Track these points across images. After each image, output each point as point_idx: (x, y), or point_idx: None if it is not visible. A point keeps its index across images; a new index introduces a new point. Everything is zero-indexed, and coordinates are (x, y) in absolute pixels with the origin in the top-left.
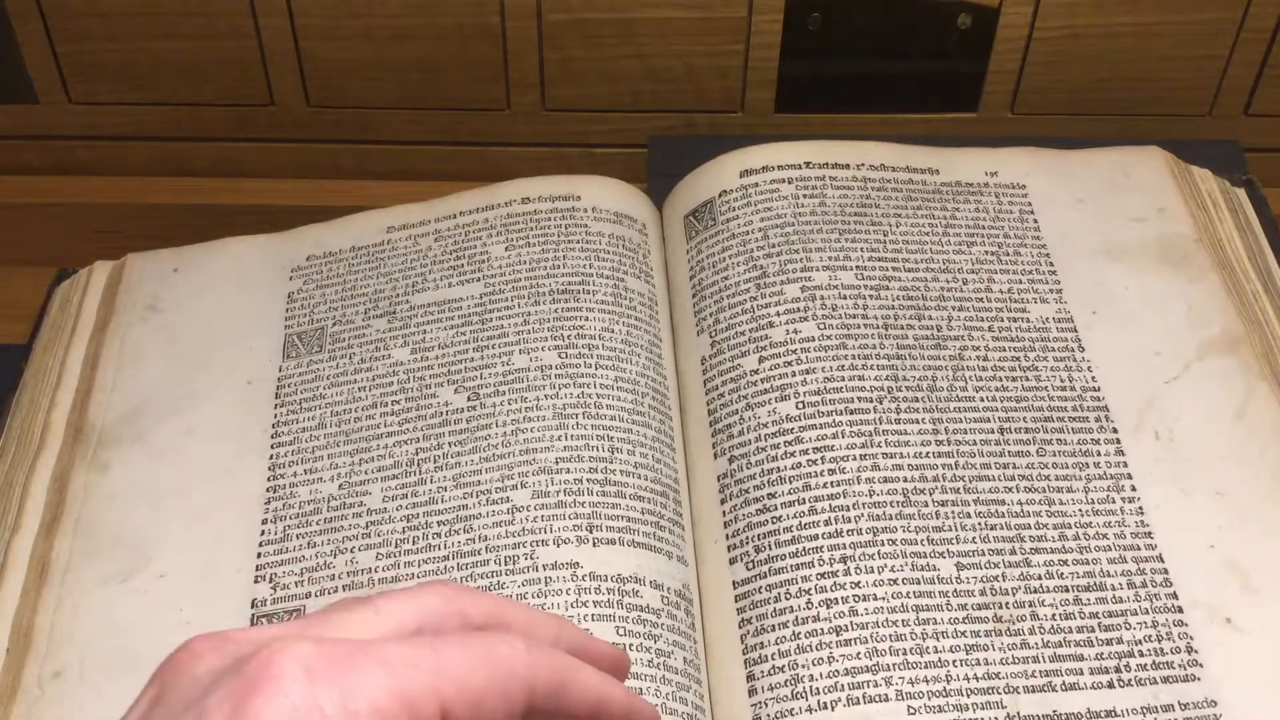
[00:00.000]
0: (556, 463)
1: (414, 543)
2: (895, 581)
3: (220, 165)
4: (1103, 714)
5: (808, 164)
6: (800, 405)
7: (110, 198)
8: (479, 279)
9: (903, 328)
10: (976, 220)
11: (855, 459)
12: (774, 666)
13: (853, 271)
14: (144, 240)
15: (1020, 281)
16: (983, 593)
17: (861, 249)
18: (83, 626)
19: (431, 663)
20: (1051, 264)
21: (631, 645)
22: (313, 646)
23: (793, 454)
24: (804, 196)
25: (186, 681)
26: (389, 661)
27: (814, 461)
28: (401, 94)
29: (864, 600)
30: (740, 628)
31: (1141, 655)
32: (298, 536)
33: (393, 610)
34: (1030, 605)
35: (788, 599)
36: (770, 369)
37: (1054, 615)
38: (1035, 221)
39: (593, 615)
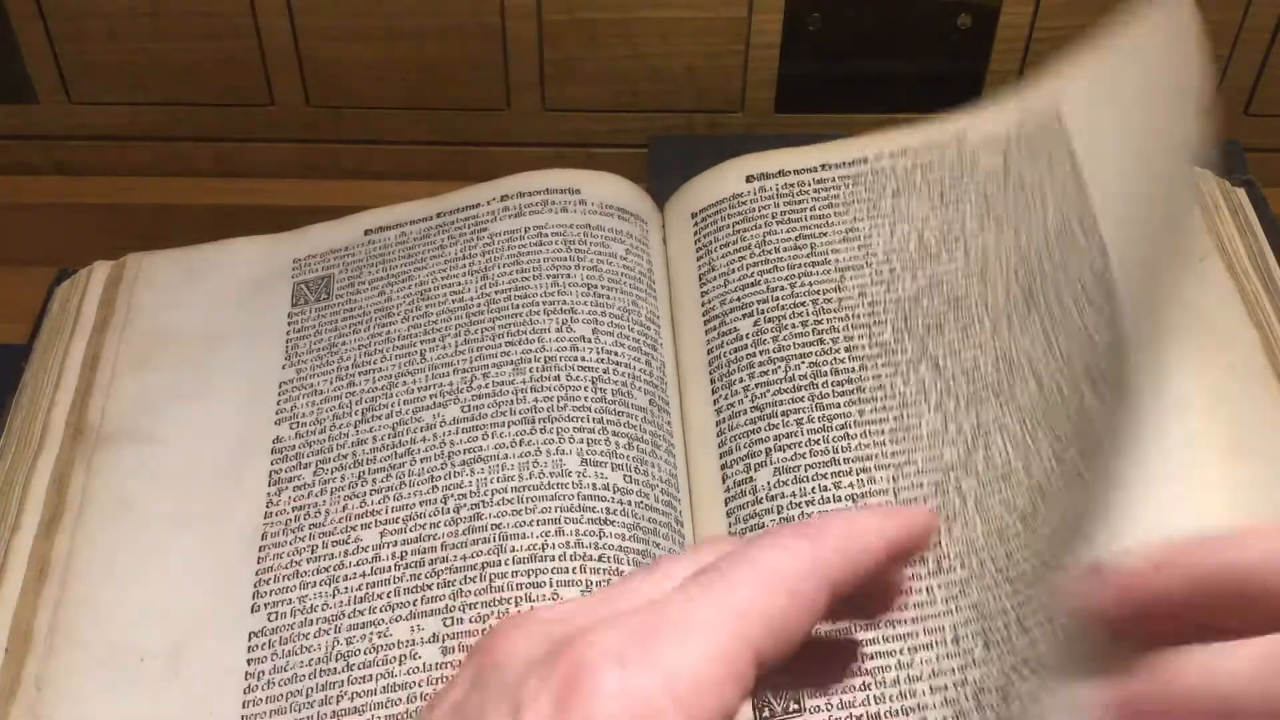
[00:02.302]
0: (556, 454)
1: (412, 561)
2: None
3: (220, 165)
4: None
5: (824, 165)
6: (814, 405)
7: (110, 198)
8: (479, 275)
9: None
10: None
11: (870, 459)
12: None
13: (869, 270)
14: (144, 240)
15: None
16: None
17: (878, 244)
18: (81, 627)
19: (730, 604)
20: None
21: None
22: (618, 635)
23: (804, 455)
24: (818, 197)
25: (501, 666)
26: (691, 625)
27: (827, 464)
28: (401, 94)
29: None
30: None
31: None
32: (295, 539)
33: (678, 569)
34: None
35: None
36: (780, 367)
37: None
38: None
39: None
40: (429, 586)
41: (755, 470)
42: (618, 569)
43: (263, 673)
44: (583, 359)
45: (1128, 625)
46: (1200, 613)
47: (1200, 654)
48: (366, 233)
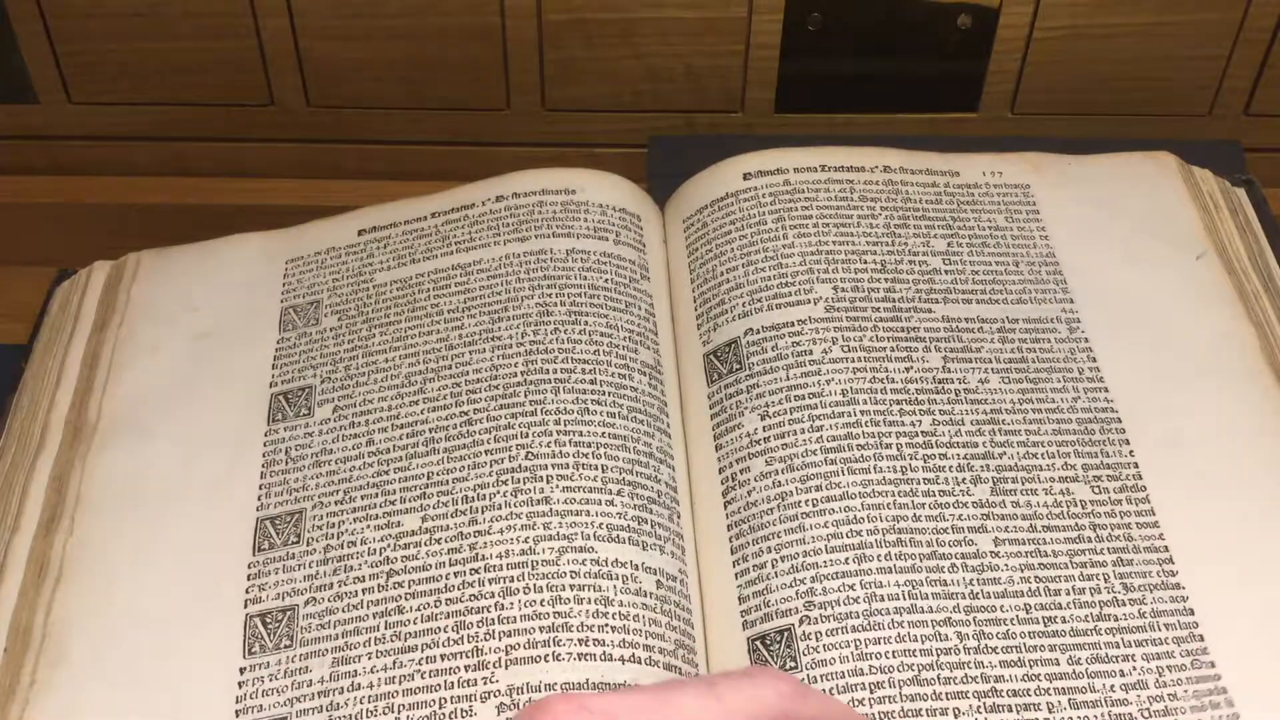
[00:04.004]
0: (555, 461)
1: (415, 555)
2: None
3: (220, 165)
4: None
5: (823, 166)
6: (809, 405)
7: (110, 198)
8: (477, 275)
9: (914, 326)
10: (992, 221)
11: (862, 460)
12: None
13: (867, 273)
14: (144, 240)
15: (1030, 283)
16: (996, 609)
17: (875, 250)
18: (78, 627)
19: None
20: (1060, 270)
21: (628, 627)
22: None
23: (798, 453)
24: (815, 199)
25: None
26: None
27: (824, 460)
28: (401, 94)
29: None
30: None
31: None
32: (289, 538)
33: (733, 699)
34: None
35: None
36: (778, 368)
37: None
38: (1042, 226)
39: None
40: (425, 604)
41: (750, 459)
42: (609, 573)
43: (259, 666)
44: (575, 356)
45: None
46: None
47: None
48: (360, 233)
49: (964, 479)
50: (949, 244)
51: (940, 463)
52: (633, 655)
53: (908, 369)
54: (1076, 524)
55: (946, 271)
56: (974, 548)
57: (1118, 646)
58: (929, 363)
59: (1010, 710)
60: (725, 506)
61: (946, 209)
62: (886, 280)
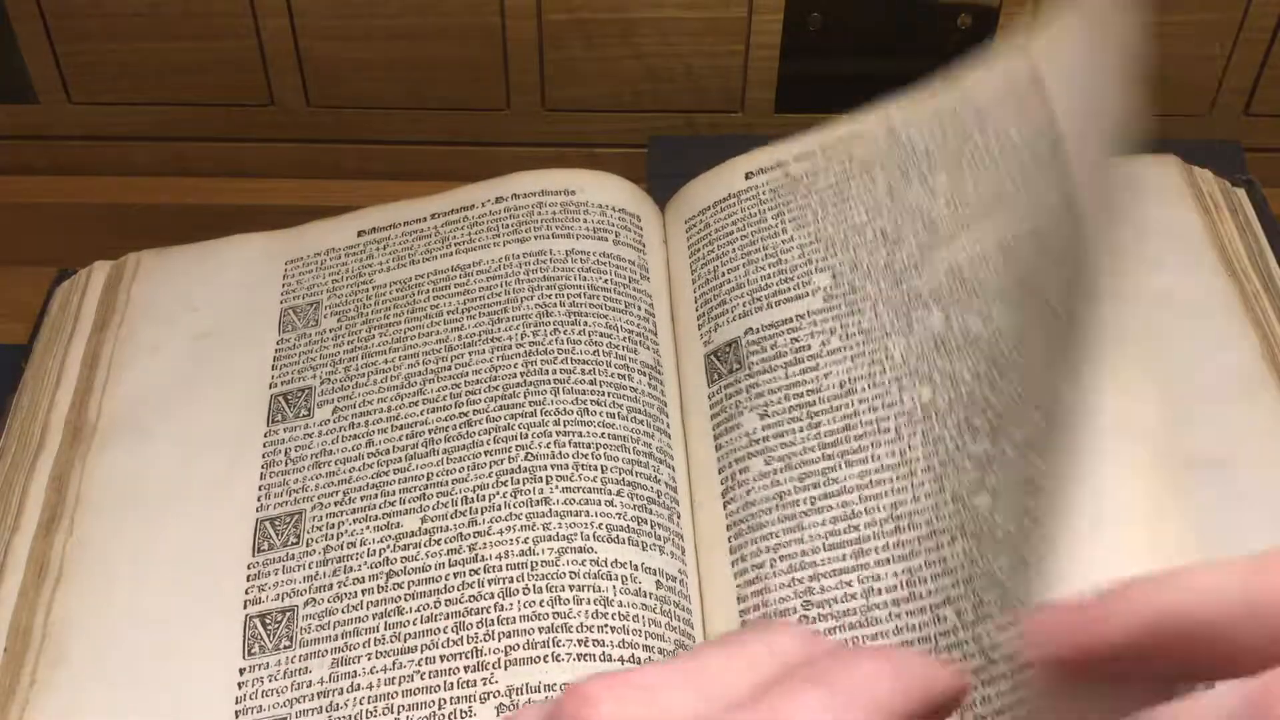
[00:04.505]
0: (553, 463)
1: (416, 556)
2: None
3: (220, 165)
4: None
5: (822, 148)
6: (807, 401)
7: (110, 198)
8: (477, 276)
9: (916, 287)
10: (1003, 133)
11: (859, 450)
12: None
13: (867, 247)
14: (144, 240)
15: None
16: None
17: (875, 219)
18: (78, 627)
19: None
20: None
21: (629, 628)
22: None
23: (796, 451)
24: (814, 184)
25: None
26: None
27: (821, 456)
28: (401, 94)
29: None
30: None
31: None
32: (289, 539)
33: (755, 650)
34: None
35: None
36: (777, 366)
37: None
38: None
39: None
40: (428, 595)
41: (749, 459)
42: (607, 572)
43: (259, 667)
44: (575, 357)
45: (1082, 674)
46: (1147, 662)
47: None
48: (360, 234)
49: (963, 439)
50: (952, 176)
51: (940, 432)
52: (632, 655)
53: (908, 339)
54: None
55: (949, 210)
56: (973, 512)
57: None
58: (930, 323)
59: (1007, 679)
60: (725, 506)
61: (952, 140)
62: (887, 247)
